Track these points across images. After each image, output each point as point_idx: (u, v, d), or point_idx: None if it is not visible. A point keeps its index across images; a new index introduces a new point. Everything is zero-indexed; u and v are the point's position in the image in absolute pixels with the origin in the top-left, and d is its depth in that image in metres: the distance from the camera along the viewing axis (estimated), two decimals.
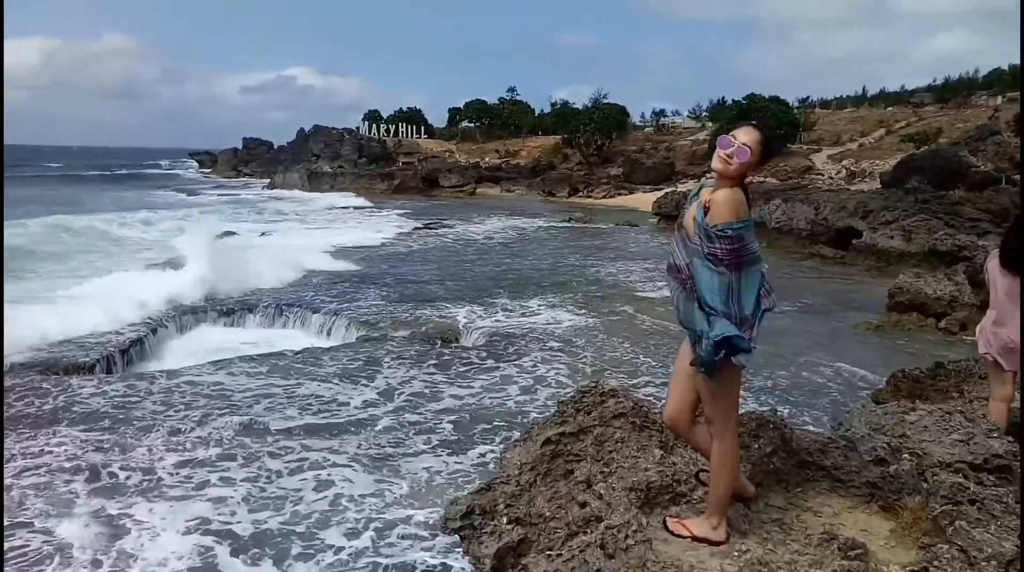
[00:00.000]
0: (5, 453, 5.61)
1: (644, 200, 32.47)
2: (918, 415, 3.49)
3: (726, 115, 47.21)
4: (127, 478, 5.44)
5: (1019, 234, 4.04)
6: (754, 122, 2.89)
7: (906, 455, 3.18)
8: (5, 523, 4.69)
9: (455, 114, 72.01)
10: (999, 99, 49.51)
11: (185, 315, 10.53)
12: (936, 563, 2.55)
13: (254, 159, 66.63)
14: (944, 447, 3.22)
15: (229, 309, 11.03)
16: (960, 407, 3.82)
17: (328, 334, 10.17)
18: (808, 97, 65.26)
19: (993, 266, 4.18)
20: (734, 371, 2.76)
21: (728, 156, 2.71)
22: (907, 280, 10.79)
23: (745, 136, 2.72)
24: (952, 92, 56.00)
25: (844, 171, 38.44)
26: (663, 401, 3.63)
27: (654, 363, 8.48)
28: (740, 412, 3.67)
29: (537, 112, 70.66)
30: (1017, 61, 63.06)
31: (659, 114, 63.79)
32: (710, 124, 53.00)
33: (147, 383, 7.54)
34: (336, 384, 7.67)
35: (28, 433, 6.09)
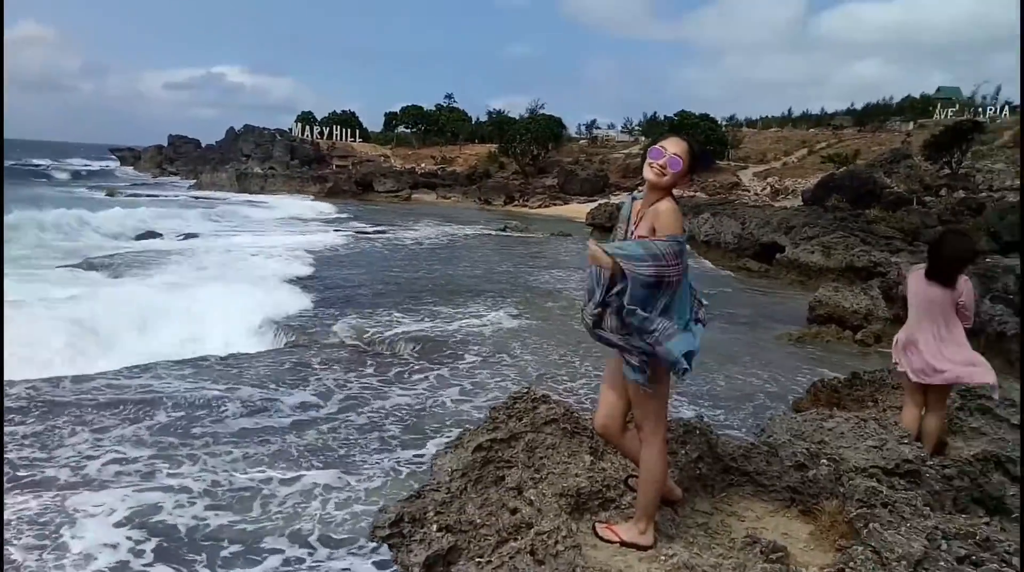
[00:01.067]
0: None
1: (578, 210, 32.92)
2: (835, 422, 3.64)
3: (658, 130, 48.42)
4: (54, 474, 5.28)
5: (952, 247, 4.25)
6: (680, 133, 2.96)
7: (824, 460, 3.30)
8: None
9: (391, 119, 71.41)
10: (911, 125, 52.64)
11: None
12: (851, 564, 2.65)
13: (180, 157, 64.26)
14: (859, 453, 3.36)
15: None
16: (875, 415, 4.00)
17: (255, 338, 9.86)
18: (734, 115, 67.79)
19: (915, 279, 4.37)
20: (665, 378, 2.81)
21: (661, 167, 2.76)
22: (826, 294, 11.27)
23: (675, 147, 2.78)
24: (869, 117, 59.30)
25: (769, 188, 39.99)
26: (596, 405, 3.66)
27: (590, 367, 8.57)
28: (668, 419, 3.74)
29: (474, 120, 70.88)
30: (925, 91, 67.13)
31: (590, 125, 64.97)
32: (643, 139, 54.29)
33: (52, 387, 7.12)
34: (270, 388, 7.44)
35: None
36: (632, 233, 2.82)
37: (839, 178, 28.64)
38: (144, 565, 4.31)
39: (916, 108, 59.88)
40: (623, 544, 2.86)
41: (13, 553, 4.29)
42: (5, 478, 5.17)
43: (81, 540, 4.46)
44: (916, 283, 4.37)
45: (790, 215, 19.90)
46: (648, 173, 2.80)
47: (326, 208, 34.33)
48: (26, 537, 4.47)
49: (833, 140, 51.03)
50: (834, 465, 3.25)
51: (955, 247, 4.26)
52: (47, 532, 4.54)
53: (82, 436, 6.02)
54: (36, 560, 4.25)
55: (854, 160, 40.08)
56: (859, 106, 65.65)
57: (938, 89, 68.05)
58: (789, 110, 69.67)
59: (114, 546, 4.44)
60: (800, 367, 9.04)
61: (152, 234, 21.02)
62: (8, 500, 4.91)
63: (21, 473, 5.30)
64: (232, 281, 12.96)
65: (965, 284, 4.24)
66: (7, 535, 4.47)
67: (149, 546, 4.48)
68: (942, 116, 52.58)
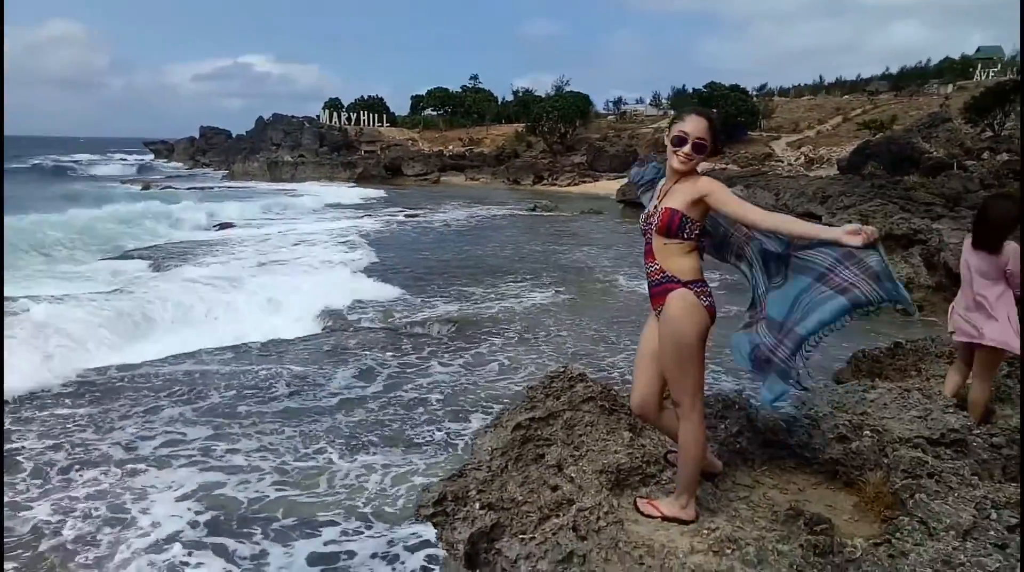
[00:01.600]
0: None
1: (609, 187, 32.67)
2: (878, 393, 3.59)
3: (687, 103, 47.65)
4: (115, 454, 5.57)
5: (995, 212, 4.15)
6: (698, 108, 2.91)
7: (867, 432, 3.26)
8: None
9: (417, 102, 71.38)
10: (950, 87, 50.91)
11: None
12: (898, 535, 2.63)
13: (212, 148, 65.10)
14: (903, 423, 3.31)
15: None
16: (918, 385, 3.93)
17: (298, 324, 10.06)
18: (766, 84, 66.30)
19: (965, 247, 4.31)
20: (703, 347, 2.80)
21: (687, 155, 2.74)
22: None
23: (697, 130, 2.74)
24: (906, 81, 57.46)
25: (803, 158, 39.16)
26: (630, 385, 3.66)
27: (628, 342, 8.56)
28: (707, 393, 3.73)
29: (500, 100, 70.47)
30: (964, 51, 64.83)
31: (618, 102, 64.10)
32: (671, 112, 53.43)
33: (100, 376, 7.35)
34: (314, 369, 7.62)
35: None
36: (660, 208, 2.79)
37: (875, 145, 27.96)
38: (206, 535, 4.53)
39: (955, 70, 57.83)
40: (665, 519, 2.87)
41: (87, 527, 4.51)
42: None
43: (149, 515, 4.72)
44: (965, 251, 4.30)
45: (826, 184, 19.49)
46: (674, 162, 2.78)
47: (369, 193, 34.50)
48: (100, 511, 4.76)
49: (869, 106, 49.66)
50: (877, 436, 3.20)
51: (998, 212, 4.14)
52: (118, 505, 4.81)
53: (135, 419, 6.24)
54: (110, 533, 4.48)
55: (891, 126, 38.99)
56: (895, 70, 63.63)
57: (978, 49, 65.59)
58: (821, 77, 67.74)
59: (179, 518, 4.70)
60: (840, 337, 8.86)
61: (227, 225, 21.64)
62: (78, 477, 5.14)
63: (83, 454, 5.54)
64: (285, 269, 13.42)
65: (1012, 250, 4.13)
66: (78, 509, 4.68)
67: (212, 518, 4.71)
68: (983, 77, 50.76)
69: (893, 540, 2.60)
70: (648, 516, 2.92)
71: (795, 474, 3.28)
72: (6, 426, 5.98)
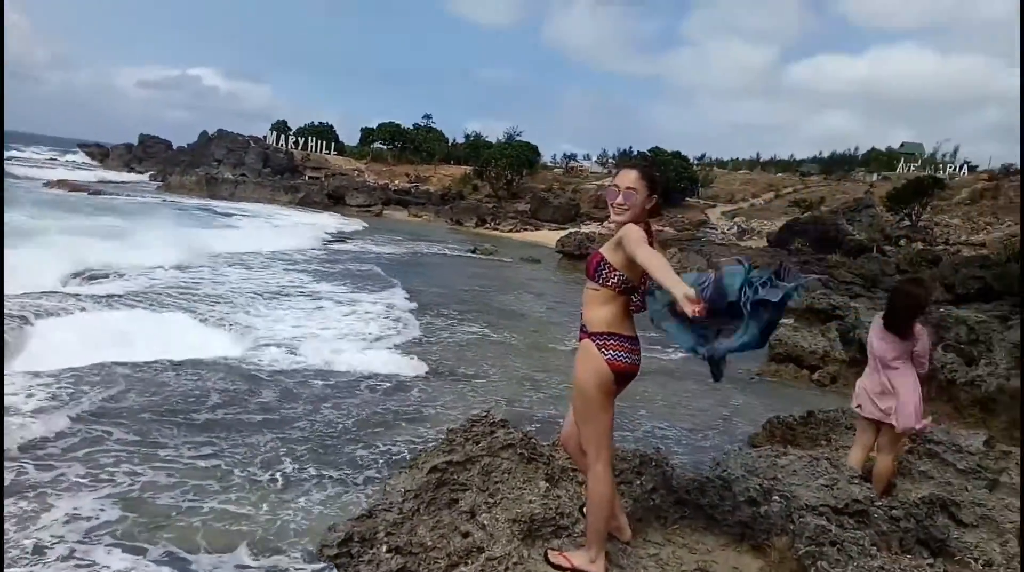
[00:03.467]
0: None
1: (549, 237, 33.07)
2: (789, 460, 3.68)
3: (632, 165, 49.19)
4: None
5: (907, 296, 4.36)
6: (631, 160, 3.04)
7: (776, 497, 3.33)
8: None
9: (368, 134, 71.29)
10: (875, 176, 54.31)
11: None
12: None
13: (150, 157, 63.16)
14: (811, 491, 3.39)
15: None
16: (827, 454, 4.06)
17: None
18: (705, 154, 69.21)
19: (875, 327, 4.50)
20: (607, 399, 2.81)
21: (620, 206, 2.82)
22: (785, 333, 11.46)
23: (625, 180, 2.84)
24: (835, 166, 60.99)
25: (736, 227, 40.76)
26: (557, 429, 3.65)
27: (554, 390, 8.56)
28: (626, 449, 3.74)
29: (451, 141, 71.11)
30: (890, 144, 69.45)
31: (568, 157, 65.74)
32: (615, 171, 55.04)
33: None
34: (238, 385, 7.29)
35: None
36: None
37: (804, 222, 29.40)
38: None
39: (880, 161, 61.92)
40: (574, 571, 2.84)
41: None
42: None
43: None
44: (875, 332, 4.50)
45: (755, 255, 20.30)
46: (613, 216, 2.86)
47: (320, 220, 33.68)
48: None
49: (800, 186, 52.37)
50: (786, 502, 3.27)
51: (910, 296, 4.38)
52: None
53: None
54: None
55: (819, 206, 41.19)
56: (826, 154, 67.70)
57: (902, 144, 70.47)
58: (758, 154, 71.40)
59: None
60: (757, 403, 9.15)
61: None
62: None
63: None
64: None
65: (921, 332, 4.36)
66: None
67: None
68: (905, 170, 54.39)
69: None
70: (558, 568, 2.88)
71: (705, 534, 3.31)
72: None
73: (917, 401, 4.30)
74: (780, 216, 39.82)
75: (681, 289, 2.42)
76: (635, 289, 2.87)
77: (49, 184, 37.35)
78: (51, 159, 67.61)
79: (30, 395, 6.69)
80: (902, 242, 29.57)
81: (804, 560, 2.90)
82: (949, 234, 33.00)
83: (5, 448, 5.48)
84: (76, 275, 12.57)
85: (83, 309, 9.82)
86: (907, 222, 34.59)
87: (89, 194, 35.04)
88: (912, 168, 55.19)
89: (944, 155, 62.40)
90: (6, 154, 63.73)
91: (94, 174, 51.63)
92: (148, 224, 21.11)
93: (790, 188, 51.44)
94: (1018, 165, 42.57)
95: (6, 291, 9.91)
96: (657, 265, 2.60)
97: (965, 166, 56.49)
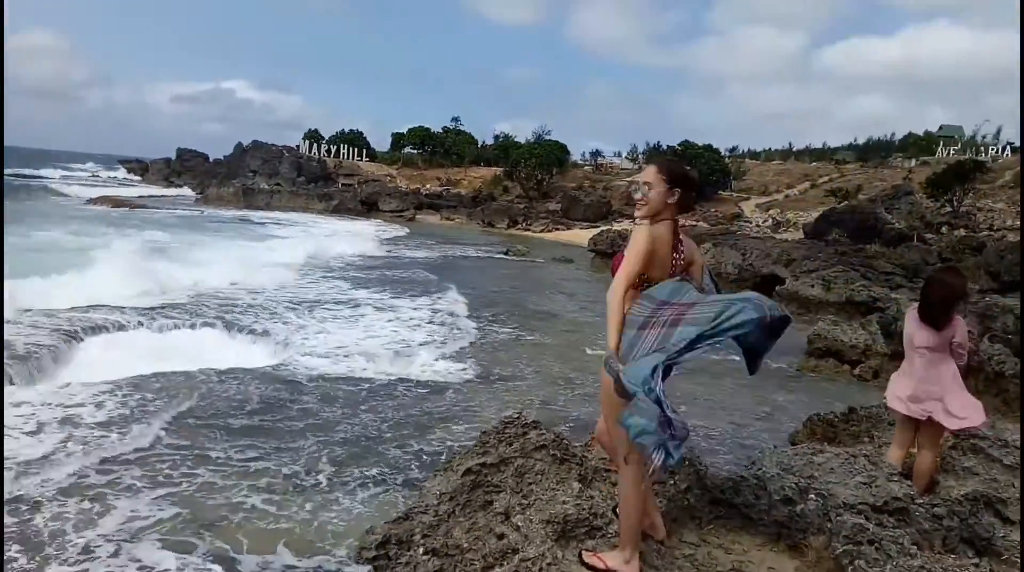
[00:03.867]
0: None
1: (581, 236, 33.01)
2: (825, 457, 3.63)
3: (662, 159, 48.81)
4: None
5: (942, 287, 4.26)
6: (657, 155, 3.10)
7: (812, 495, 3.29)
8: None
9: (398, 139, 71.97)
10: (912, 162, 52.96)
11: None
12: None
13: (188, 171, 64.63)
14: (848, 489, 3.35)
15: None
16: (866, 451, 3.99)
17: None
18: (737, 146, 68.27)
19: (910, 319, 4.40)
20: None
21: (640, 201, 2.86)
22: (825, 327, 11.26)
23: (644, 176, 2.90)
24: (871, 152, 59.60)
25: (770, 220, 40.14)
26: (589, 430, 3.66)
27: (588, 391, 8.55)
28: None
29: (480, 143, 71.36)
30: (927, 127, 67.66)
31: (595, 154, 65.43)
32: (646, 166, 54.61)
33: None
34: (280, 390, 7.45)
35: None
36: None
37: (840, 212, 28.78)
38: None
39: (919, 145, 60.35)
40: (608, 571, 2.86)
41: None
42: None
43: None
44: (910, 323, 4.40)
45: (791, 248, 19.98)
46: (637, 213, 2.90)
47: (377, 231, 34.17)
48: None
49: (835, 174, 51.34)
50: (822, 500, 3.24)
51: (945, 287, 4.27)
52: None
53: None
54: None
55: (856, 195, 40.32)
56: (861, 140, 66.26)
57: (940, 127, 68.61)
58: (791, 144, 70.15)
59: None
60: (796, 400, 9.02)
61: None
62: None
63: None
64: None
65: (958, 323, 4.26)
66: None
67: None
68: (944, 154, 52.95)
69: None
70: (592, 568, 2.90)
71: (740, 534, 3.29)
72: None
73: (962, 395, 4.20)
74: (816, 206, 39.08)
75: (609, 348, 2.67)
76: None
77: (92, 201, 38.47)
78: (94, 176, 69.55)
79: (96, 404, 6.97)
80: (944, 229, 28.81)
81: (842, 559, 2.87)
82: (993, 219, 32.04)
83: (74, 455, 5.71)
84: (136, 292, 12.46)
85: (139, 323, 10.14)
86: (948, 208, 33.68)
87: (131, 209, 35.99)
88: (952, 152, 53.70)
89: (985, 136, 60.61)
90: (53, 173, 65.76)
91: (137, 190, 52.95)
92: (195, 241, 21.60)
93: (825, 177, 50.46)
94: None
95: (54, 306, 10.29)
96: (609, 307, 2.74)
97: (1008, 147, 54.76)
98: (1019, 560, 3.12)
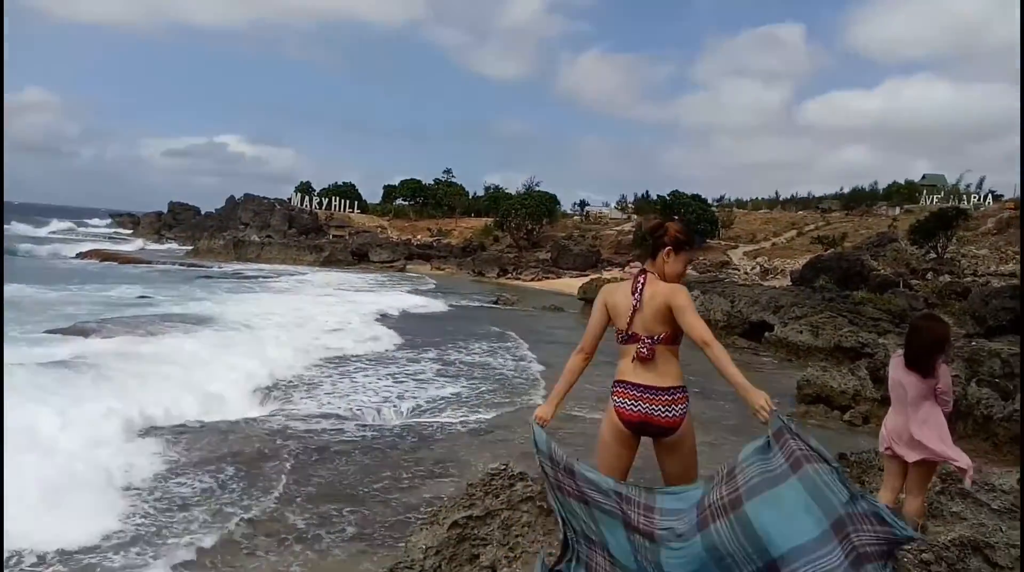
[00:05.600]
0: None
1: (571, 284, 33.18)
2: None
3: (651, 208, 49.53)
4: None
5: (926, 334, 4.29)
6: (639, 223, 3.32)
7: None
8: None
9: (390, 191, 72.80)
10: (897, 210, 53.90)
11: None
12: None
13: (179, 224, 64.95)
14: None
15: None
16: None
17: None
18: (724, 195, 69.33)
19: (895, 366, 4.42)
20: (611, 443, 3.21)
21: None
22: (814, 373, 11.30)
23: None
24: (856, 201, 60.64)
25: (758, 267, 40.52)
26: None
27: (579, 441, 8.48)
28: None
29: (471, 194, 72.23)
30: (910, 176, 69.12)
31: (583, 204, 66.54)
32: (635, 216, 55.37)
33: None
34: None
35: None
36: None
37: (827, 259, 29.12)
38: None
39: (902, 193, 61.49)
40: None
41: None
42: None
43: None
44: (895, 370, 4.43)
45: (779, 294, 20.13)
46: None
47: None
48: None
49: (821, 222, 52.12)
50: None
51: (931, 332, 4.32)
52: None
53: None
54: None
55: (842, 242, 40.90)
56: (846, 190, 67.46)
57: (924, 176, 70.03)
58: (777, 193, 71.29)
59: None
60: None
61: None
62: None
63: None
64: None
65: (942, 370, 4.30)
66: None
67: None
68: (928, 202, 53.93)
69: None
70: None
71: None
72: None
73: (946, 438, 4.21)
74: (803, 254, 39.57)
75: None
76: (629, 338, 3.11)
77: (81, 255, 38.55)
78: (73, 230, 68.65)
79: None
80: (929, 275, 29.14)
81: None
82: (977, 265, 32.47)
83: None
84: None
85: None
86: (933, 255, 34.13)
87: (119, 263, 35.98)
88: (935, 199, 54.70)
89: (968, 185, 61.83)
90: (49, 228, 65.37)
91: (131, 245, 52.95)
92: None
93: (812, 225, 51.21)
94: None
95: None
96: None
97: (990, 195, 55.89)
98: None
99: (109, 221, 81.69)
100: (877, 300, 19.20)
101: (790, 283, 29.49)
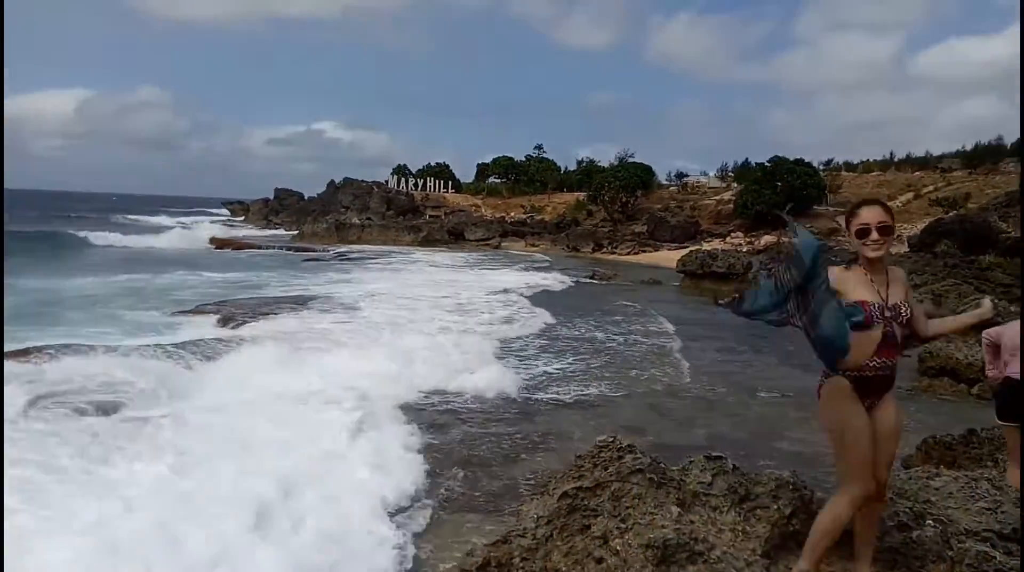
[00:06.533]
0: None
1: (668, 257, 32.50)
2: (943, 481, 3.43)
3: (751, 176, 47.51)
4: None
5: None
6: (866, 199, 3.13)
7: (930, 522, 3.11)
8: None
9: (482, 169, 73.37)
10: None
11: None
12: None
13: (284, 209, 68.06)
14: (970, 515, 3.15)
15: None
16: (988, 475, 3.73)
17: None
18: (832, 159, 65.43)
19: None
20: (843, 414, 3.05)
21: (876, 242, 2.96)
22: (937, 345, 10.62)
23: (873, 216, 2.97)
24: (980, 158, 55.79)
25: None
26: (687, 458, 3.61)
27: (682, 416, 8.39)
28: (763, 474, 3.62)
29: (563, 169, 71.72)
30: None
31: (680, 175, 64.42)
32: (735, 185, 53.31)
33: None
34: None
35: None
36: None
37: (948, 223, 27.12)
38: None
39: None
40: None
41: None
42: None
43: None
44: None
45: (896, 262, 18.94)
46: (867, 251, 2.93)
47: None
48: None
49: (941, 183, 48.42)
50: (941, 527, 3.05)
51: None
52: None
53: None
54: None
55: (965, 204, 37.90)
56: (968, 146, 61.97)
57: None
58: (891, 153, 66.48)
59: None
60: (910, 421, 8.49)
61: None
62: None
63: None
64: None
65: None
66: None
67: None
68: None
69: None
70: None
71: (852, 562, 3.14)
72: None
73: None
74: (922, 218, 36.95)
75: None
76: None
77: (213, 242, 41.27)
78: (196, 220, 73.21)
79: None
80: None
81: None
82: None
83: None
84: None
85: None
86: None
87: (235, 250, 38.12)
88: None
89: None
90: (173, 219, 70.16)
91: (242, 231, 56.14)
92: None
93: (930, 186, 47.67)
94: None
95: None
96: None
97: None
98: None
99: (223, 210, 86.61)
100: (1007, 265, 17.75)
101: (907, 250, 27.73)
